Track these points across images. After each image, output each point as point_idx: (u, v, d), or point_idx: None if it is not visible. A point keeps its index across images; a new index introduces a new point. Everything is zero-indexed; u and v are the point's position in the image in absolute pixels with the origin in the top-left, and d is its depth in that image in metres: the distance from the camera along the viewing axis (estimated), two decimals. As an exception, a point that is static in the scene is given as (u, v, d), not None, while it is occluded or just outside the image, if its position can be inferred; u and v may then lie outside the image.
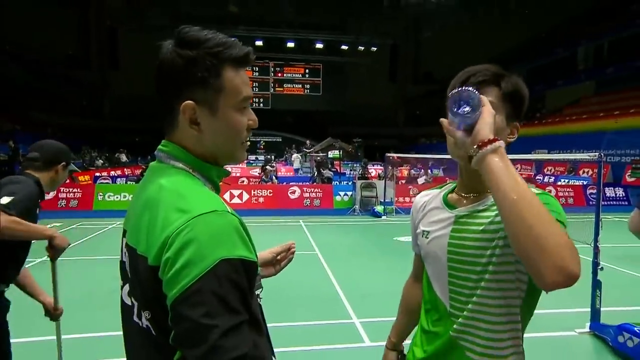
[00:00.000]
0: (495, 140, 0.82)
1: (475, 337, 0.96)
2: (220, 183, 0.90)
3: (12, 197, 1.76)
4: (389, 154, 11.64)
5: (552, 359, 3.22)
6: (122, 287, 0.86)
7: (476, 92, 0.86)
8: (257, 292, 0.81)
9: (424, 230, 1.09)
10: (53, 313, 2.14)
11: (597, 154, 3.79)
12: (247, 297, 0.70)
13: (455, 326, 0.98)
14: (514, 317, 0.95)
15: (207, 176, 0.83)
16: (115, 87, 33.04)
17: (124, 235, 0.86)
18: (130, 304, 0.82)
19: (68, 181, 12.53)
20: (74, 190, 10.66)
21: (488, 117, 0.85)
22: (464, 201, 1.03)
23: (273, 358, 0.87)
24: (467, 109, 0.85)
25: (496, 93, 0.96)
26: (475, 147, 0.83)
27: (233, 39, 0.82)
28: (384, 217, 10.12)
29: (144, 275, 0.73)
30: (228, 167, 0.93)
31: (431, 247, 1.05)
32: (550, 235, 0.72)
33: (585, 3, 26.15)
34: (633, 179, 15.33)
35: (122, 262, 0.86)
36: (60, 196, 10.42)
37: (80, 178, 13.85)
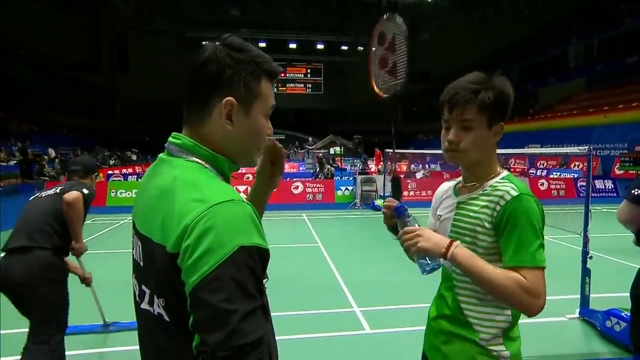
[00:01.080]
0: (450, 246, 1.07)
1: (469, 298, 1.17)
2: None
3: (88, 191, 2.58)
4: (388, 150, 11.90)
5: (544, 343, 3.25)
6: (133, 275, 0.88)
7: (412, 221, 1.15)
8: (263, 281, 0.81)
9: (438, 215, 1.28)
10: (85, 279, 2.98)
11: (586, 148, 3.83)
12: (261, 283, 0.72)
13: (456, 290, 1.20)
14: None
15: (220, 169, 0.84)
16: (125, 89, 33.92)
17: (133, 227, 0.87)
18: (138, 292, 0.84)
19: (83, 180, 13.31)
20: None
21: (426, 243, 1.09)
22: (465, 190, 1.22)
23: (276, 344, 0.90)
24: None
25: (475, 109, 1.11)
26: (441, 257, 1.08)
27: (270, 57, 0.88)
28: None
29: (161, 263, 0.73)
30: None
31: (441, 228, 1.25)
32: (514, 297, 1.02)
33: (576, 3, 26.79)
34: (622, 172, 15.92)
35: (133, 253, 0.88)
36: None
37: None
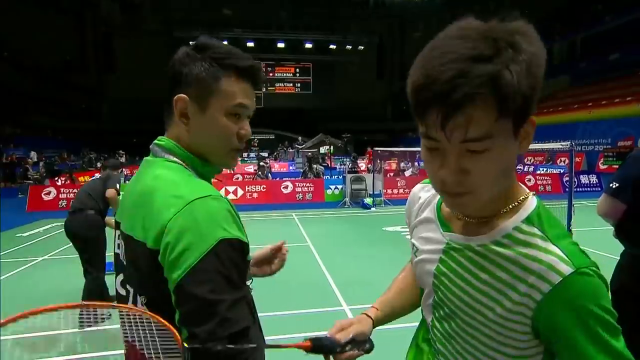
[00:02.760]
0: None
1: None
2: (213, 180, 0.90)
3: (119, 183, 4.15)
4: (376, 148, 12.16)
5: None
6: (115, 278, 0.87)
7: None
8: (248, 282, 0.80)
9: (413, 244, 0.84)
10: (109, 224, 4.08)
11: (568, 143, 3.84)
12: (243, 274, 0.73)
13: (436, 347, 0.79)
14: None
15: (197, 169, 0.84)
16: (113, 90, 33.50)
17: (117, 228, 0.87)
18: (124, 293, 0.82)
19: (68, 182, 13.07)
20: (74, 191, 10.60)
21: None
22: (458, 221, 0.74)
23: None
24: None
25: (492, 113, 0.56)
26: None
27: (248, 55, 0.85)
28: (373, 209, 10.37)
29: (142, 260, 0.74)
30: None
31: (418, 268, 0.81)
32: None
33: (559, 3, 27.26)
34: (606, 167, 16.18)
35: (116, 254, 0.87)
36: (60, 197, 10.69)
37: (80, 179, 14.16)
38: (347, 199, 11.25)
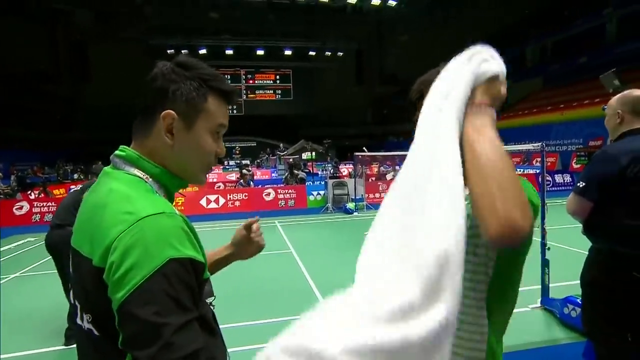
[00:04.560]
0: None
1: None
2: (177, 194, 0.91)
3: None
4: (357, 153, 12.09)
5: (508, 333, 3.73)
6: (70, 291, 0.86)
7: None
8: (209, 300, 0.79)
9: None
10: None
11: (540, 144, 3.96)
12: (196, 296, 0.70)
13: None
14: (478, 296, 0.90)
15: (163, 184, 0.83)
16: (89, 100, 32.68)
17: (71, 242, 0.84)
18: (75, 307, 0.80)
19: (42, 195, 12.59)
20: (48, 204, 10.58)
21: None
22: None
23: (227, 358, 0.88)
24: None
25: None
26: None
27: (224, 76, 0.86)
28: (355, 214, 10.43)
29: (87, 278, 0.71)
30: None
31: None
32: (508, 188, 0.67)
33: (531, 7, 28.23)
34: (578, 166, 16.38)
35: (70, 267, 0.85)
36: (34, 210, 10.41)
37: (55, 192, 13.75)
38: (330, 204, 11.27)
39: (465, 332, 0.91)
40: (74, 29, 30.86)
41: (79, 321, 0.79)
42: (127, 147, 0.84)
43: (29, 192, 13.89)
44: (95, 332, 0.74)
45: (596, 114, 18.10)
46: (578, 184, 1.95)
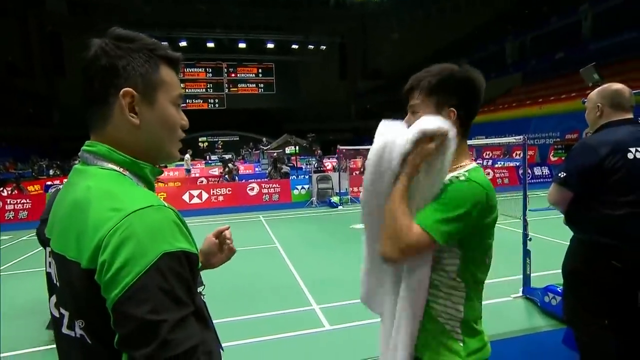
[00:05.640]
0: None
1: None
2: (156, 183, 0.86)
3: None
4: (340, 147, 12.01)
5: (492, 323, 3.39)
6: (49, 299, 0.80)
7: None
8: (199, 289, 0.77)
9: None
10: None
11: (521, 137, 4.03)
12: (191, 288, 0.69)
13: None
14: (454, 283, 1.11)
15: (141, 175, 0.79)
16: (64, 95, 31.65)
17: (47, 245, 0.80)
18: (58, 315, 0.77)
19: (16, 192, 12.14)
20: (22, 201, 10.31)
21: None
22: None
23: (221, 351, 0.87)
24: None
25: (419, 95, 1.15)
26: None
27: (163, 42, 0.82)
28: (340, 207, 10.44)
29: (77, 282, 0.68)
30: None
31: None
32: (389, 229, 1.06)
33: (510, 4, 28.71)
34: (556, 158, 16.94)
35: (47, 273, 0.81)
36: (7, 208, 10.08)
37: (30, 188, 13.36)
38: (314, 198, 11.28)
39: (443, 293, 1.14)
40: (47, 18, 29.74)
41: (65, 330, 0.75)
42: (95, 142, 0.78)
43: (1, 188, 13.41)
44: (88, 340, 0.71)
45: (573, 108, 18.59)
46: (559, 175, 2.00)
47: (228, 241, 1.18)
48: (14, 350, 3.37)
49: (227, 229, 1.19)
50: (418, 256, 1.07)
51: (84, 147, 0.79)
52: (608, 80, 2.42)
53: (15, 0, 26.90)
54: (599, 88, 2.09)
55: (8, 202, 10.26)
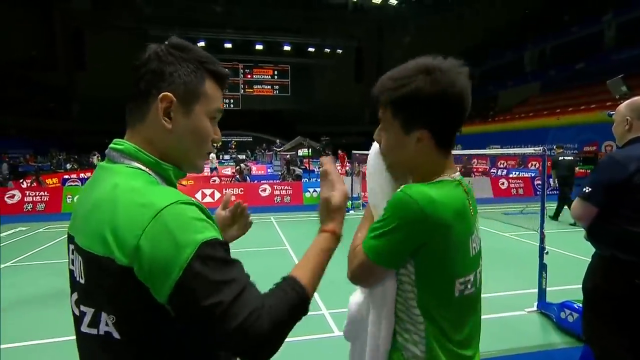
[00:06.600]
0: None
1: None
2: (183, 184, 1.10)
3: None
4: (355, 152, 11.98)
5: (505, 337, 3.37)
6: (70, 296, 0.81)
7: None
8: None
9: None
10: None
11: (541, 148, 3.94)
12: (235, 266, 0.71)
13: None
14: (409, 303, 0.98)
15: (164, 176, 0.80)
16: (84, 89, 32.27)
17: (70, 242, 0.80)
18: (78, 314, 0.77)
19: (35, 184, 12.49)
20: (41, 194, 10.47)
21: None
22: None
23: None
24: None
25: (383, 109, 0.98)
26: None
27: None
28: (351, 212, 10.26)
29: (110, 278, 0.68)
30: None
31: None
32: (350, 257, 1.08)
33: (530, 12, 28.34)
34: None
35: (70, 271, 0.81)
36: (26, 200, 10.28)
37: (48, 181, 13.64)
38: (326, 201, 11.25)
39: (403, 330, 1.01)
40: (71, 15, 30.44)
41: (84, 329, 0.74)
42: (123, 140, 0.80)
43: (21, 180, 13.72)
44: (116, 335, 0.71)
45: (592, 120, 18.26)
46: (584, 189, 1.94)
47: (246, 214, 1.17)
48: (31, 340, 3.43)
49: (236, 200, 1.17)
50: (374, 279, 1.01)
51: (111, 145, 0.81)
52: (632, 92, 2.35)
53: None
54: (628, 101, 2.03)
55: (27, 194, 10.47)
